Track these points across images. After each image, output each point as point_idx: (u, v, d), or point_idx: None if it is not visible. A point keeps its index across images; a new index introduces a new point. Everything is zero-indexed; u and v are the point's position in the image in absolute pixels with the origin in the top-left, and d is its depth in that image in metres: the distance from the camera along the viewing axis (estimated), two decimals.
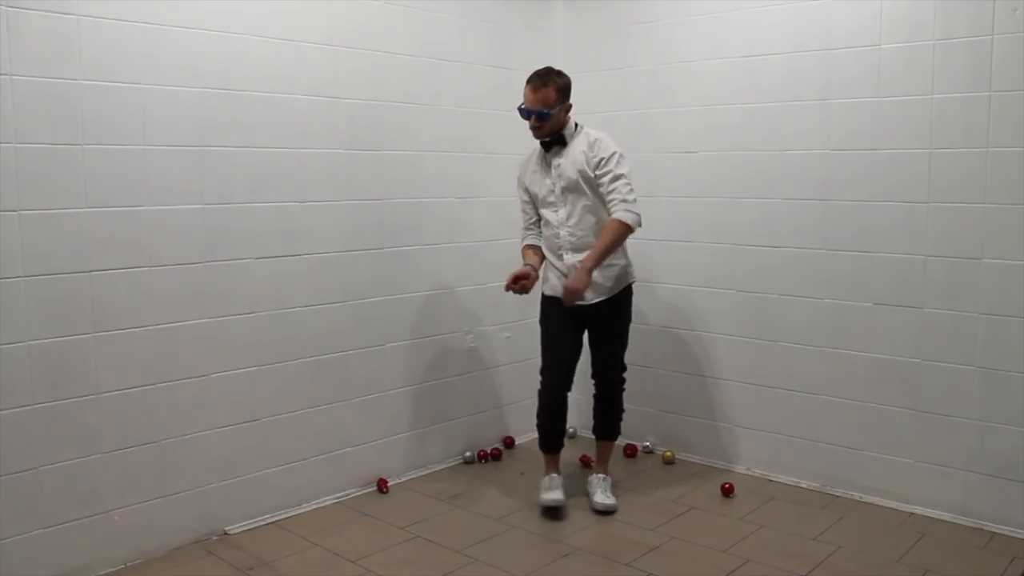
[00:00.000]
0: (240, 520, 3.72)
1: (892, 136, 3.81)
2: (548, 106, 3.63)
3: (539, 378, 3.90)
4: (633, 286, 3.93)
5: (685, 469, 4.48)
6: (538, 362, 3.94)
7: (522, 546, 3.60)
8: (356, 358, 4.10)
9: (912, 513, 3.85)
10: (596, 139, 3.70)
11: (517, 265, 3.83)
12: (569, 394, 3.91)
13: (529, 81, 3.68)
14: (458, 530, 3.73)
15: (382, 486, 4.17)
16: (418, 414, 4.40)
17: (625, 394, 4.03)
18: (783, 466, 4.29)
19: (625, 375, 3.96)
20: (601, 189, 3.66)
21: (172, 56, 3.36)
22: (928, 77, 3.69)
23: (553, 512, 3.84)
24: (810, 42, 4.01)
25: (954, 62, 3.62)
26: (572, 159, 3.70)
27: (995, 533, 3.64)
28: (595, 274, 3.62)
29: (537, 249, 3.89)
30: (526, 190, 3.88)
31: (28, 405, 3.09)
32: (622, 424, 4.07)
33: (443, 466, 4.49)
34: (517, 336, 4.80)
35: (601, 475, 3.99)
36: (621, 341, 3.91)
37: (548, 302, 3.87)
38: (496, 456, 4.65)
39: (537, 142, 3.79)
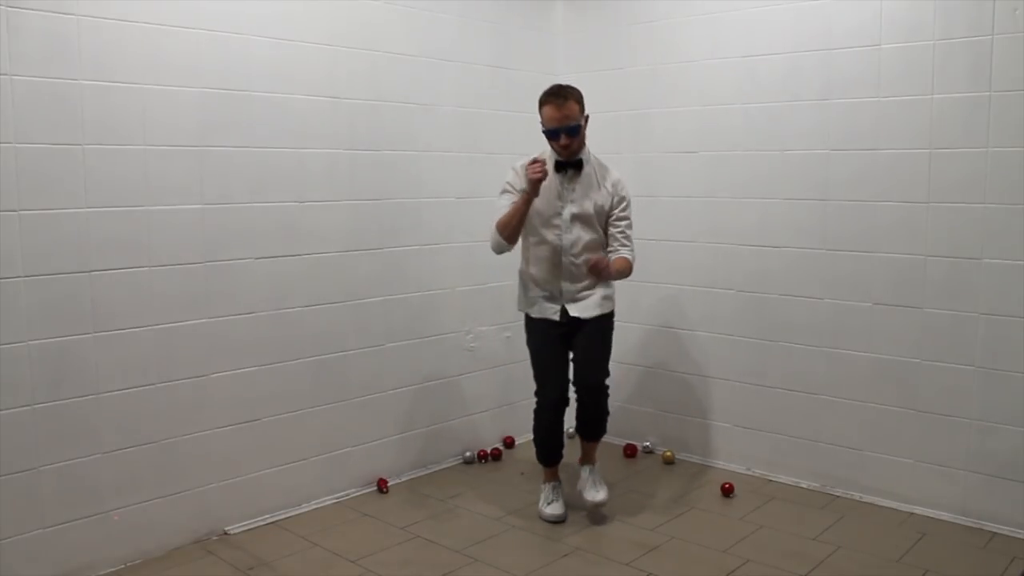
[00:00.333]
0: (240, 520, 3.72)
1: (892, 136, 3.81)
2: (575, 119, 3.55)
3: (534, 397, 3.85)
4: (614, 297, 3.84)
5: (685, 469, 4.47)
6: None
7: (522, 546, 3.60)
8: (356, 358, 4.10)
9: (912, 513, 3.85)
10: (618, 179, 3.70)
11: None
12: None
13: (548, 101, 3.58)
14: (458, 530, 3.73)
15: (382, 486, 4.17)
16: (418, 414, 4.40)
17: (624, 395, 4.01)
18: (783, 466, 4.29)
19: (609, 381, 3.86)
20: (611, 228, 3.67)
21: (172, 56, 3.36)
22: (928, 77, 3.69)
23: (554, 521, 3.83)
24: (810, 42, 4.01)
25: (954, 62, 3.62)
26: (589, 191, 3.64)
27: (995, 533, 3.64)
28: (593, 295, 3.69)
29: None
30: (519, 194, 3.66)
31: (28, 405, 3.09)
32: (615, 423, 4.04)
33: (443, 466, 4.49)
34: (517, 336, 4.80)
35: (588, 466, 3.95)
36: (606, 350, 3.83)
37: (534, 324, 3.81)
38: (496, 456, 4.65)
39: (538, 150, 3.72)
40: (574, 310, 3.70)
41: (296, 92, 3.77)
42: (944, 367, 3.77)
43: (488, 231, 3.71)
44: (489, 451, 4.65)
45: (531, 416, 3.89)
